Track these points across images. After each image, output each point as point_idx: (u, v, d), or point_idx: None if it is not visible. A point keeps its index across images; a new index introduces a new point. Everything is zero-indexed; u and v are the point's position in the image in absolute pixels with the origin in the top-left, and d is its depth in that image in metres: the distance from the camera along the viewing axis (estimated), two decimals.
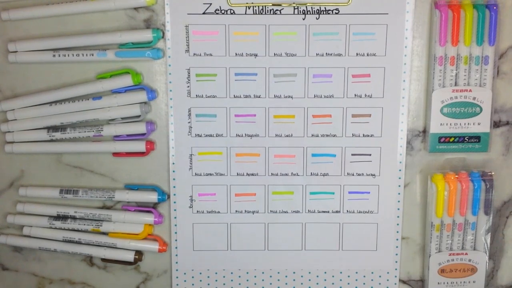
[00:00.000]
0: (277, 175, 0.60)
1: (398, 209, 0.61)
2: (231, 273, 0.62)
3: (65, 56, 0.57)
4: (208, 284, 0.62)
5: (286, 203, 0.61)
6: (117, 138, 0.59)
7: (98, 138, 0.59)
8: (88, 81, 0.59)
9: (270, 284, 0.62)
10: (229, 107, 0.59)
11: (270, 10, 0.57)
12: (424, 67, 0.58)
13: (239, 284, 0.62)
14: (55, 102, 0.59)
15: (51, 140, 0.60)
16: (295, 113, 0.59)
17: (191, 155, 0.60)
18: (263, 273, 0.62)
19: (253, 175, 0.60)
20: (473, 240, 0.60)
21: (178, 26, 0.57)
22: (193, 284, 0.62)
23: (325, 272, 0.62)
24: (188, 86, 0.59)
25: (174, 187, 0.60)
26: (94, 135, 0.59)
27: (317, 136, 0.59)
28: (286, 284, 0.62)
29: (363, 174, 0.60)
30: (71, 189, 0.60)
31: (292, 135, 0.59)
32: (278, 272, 0.62)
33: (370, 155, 0.60)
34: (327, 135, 0.59)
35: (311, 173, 0.60)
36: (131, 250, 0.61)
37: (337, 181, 0.60)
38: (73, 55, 0.57)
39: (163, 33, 0.58)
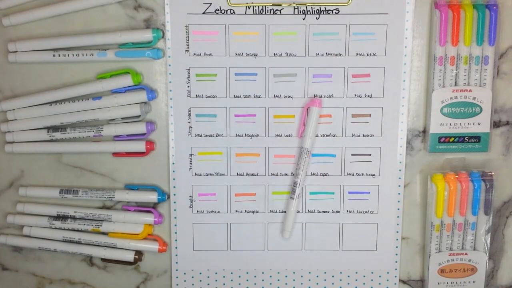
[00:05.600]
0: (277, 175, 0.60)
1: (398, 209, 0.61)
2: (231, 273, 0.62)
3: (65, 56, 0.57)
4: (208, 284, 0.62)
5: (286, 203, 0.61)
6: (117, 138, 0.59)
7: (98, 138, 0.59)
8: (88, 81, 0.59)
9: (270, 284, 0.62)
10: (229, 107, 0.59)
11: (270, 10, 0.57)
12: (424, 67, 0.58)
13: (239, 284, 0.62)
14: (55, 102, 0.59)
15: (51, 140, 0.60)
16: (295, 113, 0.59)
17: (191, 155, 0.60)
18: (263, 273, 0.62)
19: (253, 175, 0.60)
20: (473, 240, 0.60)
21: (178, 26, 0.57)
22: (193, 284, 0.62)
23: (325, 272, 0.62)
24: (188, 86, 0.59)
25: (174, 187, 0.60)
26: (94, 135, 0.59)
27: (317, 136, 0.59)
28: (286, 284, 0.62)
29: (363, 174, 0.60)
30: (71, 189, 0.60)
31: (292, 135, 0.59)
32: (278, 272, 0.62)
33: (370, 155, 0.60)
34: (327, 135, 0.59)
35: (311, 173, 0.60)
36: (131, 250, 0.61)
37: (337, 181, 0.60)
38: (73, 55, 0.57)
39: (163, 33, 0.58)
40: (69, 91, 0.58)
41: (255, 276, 0.62)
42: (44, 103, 0.59)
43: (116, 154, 0.60)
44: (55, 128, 0.59)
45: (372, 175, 0.60)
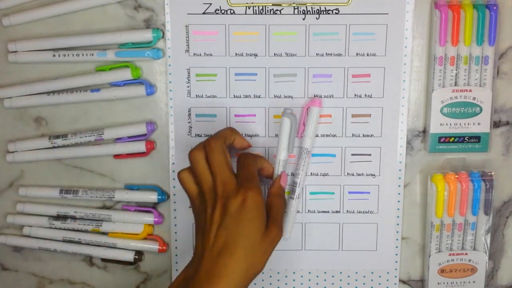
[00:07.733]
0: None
1: (398, 209, 0.61)
2: None
3: (65, 56, 0.58)
4: None
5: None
6: (118, 140, 0.59)
7: (99, 142, 0.59)
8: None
9: (270, 284, 0.62)
10: (229, 107, 0.59)
11: (270, 10, 0.57)
12: (424, 67, 0.58)
13: None
14: (53, 92, 0.59)
15: (53, 147, 0.60)
16: (295, 113, 0.59)
17: None
18: (263, 273, 0.62)
19: None
20: (473, 240, 0.60)
21: (178, 26, 0.57)
22: None
23: (325, 272, 0.62)
24: (188, 86, 0.59)
25: (174, 187, 0.60)
26: (96, 139, 0.59)
27: (317, 136, 0.59)
28: (286, 284, 0.62)
29: (363, 174, 0.60)
30: (71, 189, 0.60)
31: None
32: (278, 272, 0.62)
33: (370, 155, 0.60)
34: (327, 135, 0.59)
35: (311, 173, 0.60)
36: (131, 250, 0.61)
37: (337, 181, 0.60)
38: (73, 55, 0.57)
39: (163, 33, 0.58)
40: (67, 81, 0.58)
41: None
42: (42, 92, 0.59)
43: (117, 156, 0.60)
44: (56, 135, 0.59)
45: (372, 175, 0.60)
